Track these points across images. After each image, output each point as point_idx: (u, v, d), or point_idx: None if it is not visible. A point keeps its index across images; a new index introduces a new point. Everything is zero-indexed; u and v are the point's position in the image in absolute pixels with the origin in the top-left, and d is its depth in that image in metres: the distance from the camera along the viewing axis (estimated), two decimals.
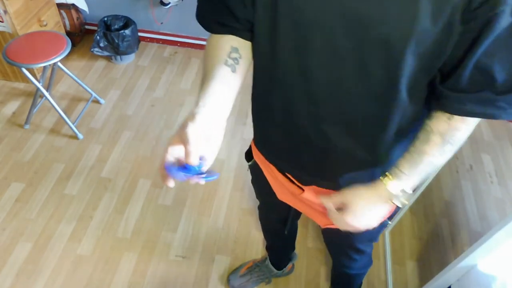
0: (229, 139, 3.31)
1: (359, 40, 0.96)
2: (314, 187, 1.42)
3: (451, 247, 1.94)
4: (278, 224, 2.06)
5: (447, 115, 1.05)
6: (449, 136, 1.07)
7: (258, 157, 1.56)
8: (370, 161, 1.26)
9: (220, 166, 3.11)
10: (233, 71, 1.12)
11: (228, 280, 2.50)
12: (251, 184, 1.84)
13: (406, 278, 2.44)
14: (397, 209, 1.52)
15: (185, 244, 2.66)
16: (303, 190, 1.45)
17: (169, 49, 4.19)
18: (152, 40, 4.22)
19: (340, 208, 1.19)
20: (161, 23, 4.05)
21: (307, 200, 1.49)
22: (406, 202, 1.13)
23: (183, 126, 0.96)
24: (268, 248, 2.46)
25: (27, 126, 3.28)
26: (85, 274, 2.50)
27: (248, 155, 1.67)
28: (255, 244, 2.68)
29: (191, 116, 0.97)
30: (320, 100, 1.12)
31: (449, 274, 1.77)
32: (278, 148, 1.40)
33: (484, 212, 1.77)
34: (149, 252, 2.61)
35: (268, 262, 2.50)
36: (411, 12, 0.88)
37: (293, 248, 2.47)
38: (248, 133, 3.37)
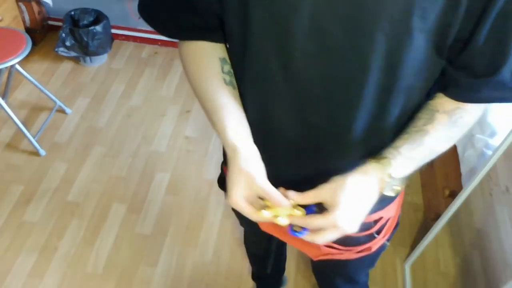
0: (219, 155, 3.31)
1: (351, 23, 0.94)
2: None
3: (484, 285, 1.94)
4: (265, 247, 2.08)
5: None
6: (457, 116, 1.08)
7: None
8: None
9: (209, 188, 3.12)
10: (234, 87, 1.17)
11: None
12: None
13: None
14: (396, 228, 1.54)
15: (167, 281, 2.66)
16: None
17: (148, 49, 4.21)
18: (128, 38, 4.24)
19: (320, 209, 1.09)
20: (139, 17, 4.06)
21: None
22: (399, 189, 1.10)
23: (250, 179, 1.06)
24: (255, 277, 2.46)
25: None
26: None
27: (223, 184, 1.67)
28: (250, 281, 2.68)
29: (247, 163, 1.07)
30: (307, 102, 1.11)
31: None
32: None
33: None
34: None
35: None
36: None
37: (283, 272, 2.46)
38: None
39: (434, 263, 2.49)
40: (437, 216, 2.44)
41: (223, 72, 1.16)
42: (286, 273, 2.55)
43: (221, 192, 3.03)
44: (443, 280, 2.38)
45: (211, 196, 3.08)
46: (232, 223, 2.94)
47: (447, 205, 2.35)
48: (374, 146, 1.18)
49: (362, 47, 0.97)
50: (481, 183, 2.12)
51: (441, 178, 2.78)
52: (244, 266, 2.75)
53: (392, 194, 1.08)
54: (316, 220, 1.04)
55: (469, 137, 2.38)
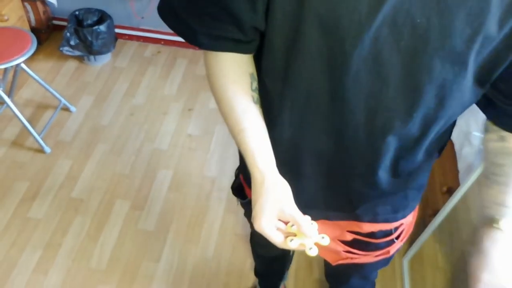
0: (221, 153, 3.32)
1: (411, 54, 0.93)
2: (323, 221, 1.43)
3: None
4: (276, 251, 2.08)
5: None
6: None
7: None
8: (392, 183, 1.27)
9: (211, 185, 3.12)
10: (260, 104, 1.14)
11: None
12: None
13: None
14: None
15: (169, 276, 2.66)
16: None
17: (151, 48, 4.20)
18: (131, 37, 4.24)
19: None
20: (142, 17, 4.06)
21: None
22: None
23: (281, 207, 1.03)
24: (258, 273, 2.46)
25: None
26: None
27: (239, 191, 1.66)
28: (251, 276, 2.68)
29: (276, 191, 1.04)
30: (348, 126, 1.09)
31: None
32: None
33: None
34: (127, 285, 2.61)
35: None
36: (479, 17, 0.87)
37: (287, 269, 2.46)
38: None
39: (432, 258, 2.49)
40: (435, 212, 2.43)
41: (252, 89, 1.12)
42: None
43: (223, 189, 3.04)
44: (441, 275, 2.37)
45: (213, 193, 3.08)
46: (234, 219, 2.94)
47: (444, 201, 2.35)
48: (401, 166, 1.21)
49: (418, 79, 0.96)
50: (478, 179, 2.11)
51: (439, 175, 2.77)
52: (245, 262, 2.75)
53: None
54: None
55: (466, 134, 2.37)
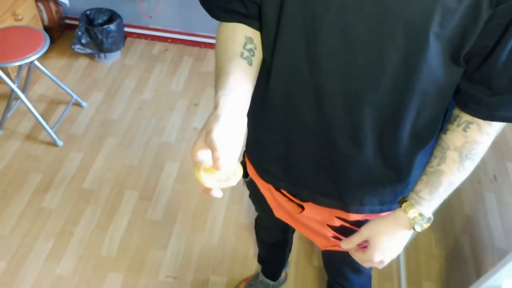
0: None
1: (375, 22, 0.95)
2: (313, 204, 1.42)
3: (473, 267, 1.94)
4: (276, 236, 2.08)
5: (462, 126, 1.07)
6: (468, 150, 1.08)
7: (252, 173, 1.56)
8: (380, 170, 1.26)
9: None
10: (250, 63, 1.14)
11: None
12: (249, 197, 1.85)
13: None
14: None
15: (176, 264, 2.67)
16: (302, 208, 1.46)
17: (158, 46, 4.20)
18: (139, 36, 4.23)
19: (363, 246, 1.29)
20: (150, 17, 4.06)
21: (306, 219, 1.49)
22: (427, 226, 1.18)
23: (208, 131, 0.96)
24: (261, 260, 2.45)
25: (0, 132, 3.28)
26: None
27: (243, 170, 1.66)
28: (254, 263, 2.68)
29: (215, 119, 0.97)
30: (327, 94, 1.11)
31: None
32: (273, 158, 1.39)
33: (510, 227, 1.77)
34: (136, 272, 2.62)
35: (261, 277, 2.50)
36: None
37: (288, 256, 2.47)
38: None
39: (427, 247, 2.49)
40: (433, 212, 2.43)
41: (244, 47, 1.14)
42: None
43: None
44: (435, 262, 2.38)
45: None
46: (237, 209, 2.94)
47: None
48: (388, 147, 1.20)
49: (382, 46, 0.98)
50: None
51: None
52: (248, 249, 2.75)
53: (420, 230, 1.18)
54: (358, 255, 1.33)
55: None
